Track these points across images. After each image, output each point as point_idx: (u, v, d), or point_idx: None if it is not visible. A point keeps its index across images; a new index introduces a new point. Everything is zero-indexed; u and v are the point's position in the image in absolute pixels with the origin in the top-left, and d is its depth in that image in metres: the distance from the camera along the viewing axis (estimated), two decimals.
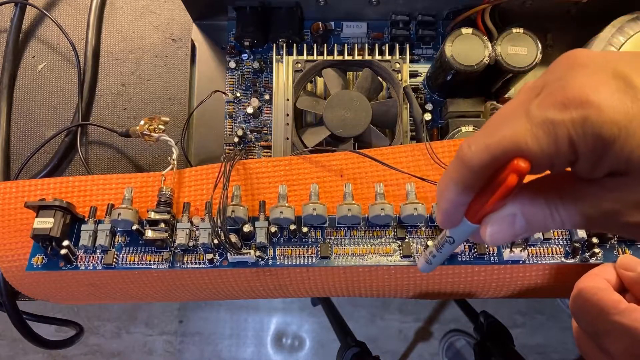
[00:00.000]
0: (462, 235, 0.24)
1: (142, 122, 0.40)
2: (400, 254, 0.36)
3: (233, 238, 0.36)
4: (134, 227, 0.36)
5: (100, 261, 0.37)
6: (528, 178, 0.20)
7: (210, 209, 0.36)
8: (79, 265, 0.37)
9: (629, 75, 0.17)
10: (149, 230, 0.36)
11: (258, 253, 0.36)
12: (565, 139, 0.17)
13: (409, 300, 1.19)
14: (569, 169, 0.20)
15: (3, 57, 0.48)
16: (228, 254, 0.36)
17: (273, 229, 0.36)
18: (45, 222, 0.36)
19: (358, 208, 0.35)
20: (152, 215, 0.36)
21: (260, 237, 0.36)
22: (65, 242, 0.36)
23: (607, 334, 0.30)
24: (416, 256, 0.36)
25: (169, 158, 0.39)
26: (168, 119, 0.41)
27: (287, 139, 0.42)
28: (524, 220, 0.20)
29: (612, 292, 0.31)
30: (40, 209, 0.36)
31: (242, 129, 0.47)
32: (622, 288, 0.34)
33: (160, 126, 0.41)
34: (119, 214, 0.36)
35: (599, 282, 0.33)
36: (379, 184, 0.37)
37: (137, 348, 1.22)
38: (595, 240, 0.35)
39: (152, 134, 0.40)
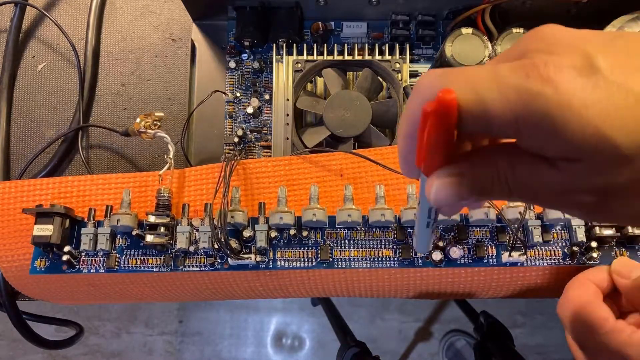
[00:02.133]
0: (422, 188, 0.22)
1: (137, 120, 0.40)
2: (400, 256, 0.36)
3: (233, 244, 0.36)
4: (134, 233, 0.36)
5: (103, 264, 0.37)
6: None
7: (210, 212, 0.36)
8: (82, 269, 0.37)
9: (596, 59, 0.17)
10: (149, 235, 0.36)
11: (259, 258, 0.36)
12: (513, 107, 0.17)
13: (409, 300, 1.19)
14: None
15: (3, 57, 0.48)
16: (229, 258, 0.36)
17: (273, 233, 0.36)
18: (44, 229, 0.36)
19: (358, 213, 0.35)
20: (151, 219, 0.36)
21: (261, 242, 0.36)
22: (67, 249, 0.36)
23: (592, 350, 0.30)
24: (412, 251, 0.36)
25: (165, 156, 0.39)
26: (162, 114, 0.40)
27: (287, 139, 0.42)
28: (470, 182, 0.19)
29: (600, 307, 0.31)
30: (39, 215, 0.36)
31: (242, 129, 0.47)
32: (616, 292, 0.34)
33: (156, 122, 0.40)
34: (118, 220, 0.36)
35: (588, 291, 0.33)
36: (380, 186, 0.37)
37: (137, 348, 1.22)
38: (594, 244, 0.35)
39: (148, 130, 0.40)
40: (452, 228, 0.37)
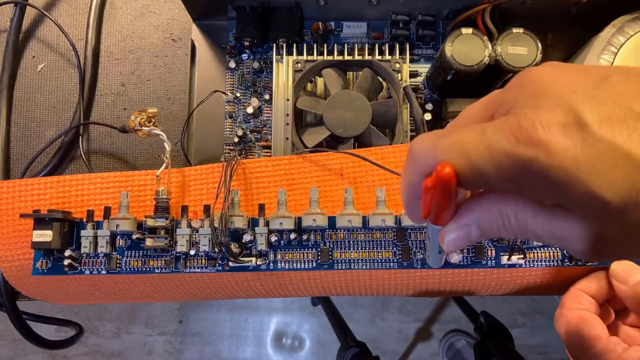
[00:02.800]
0: (430, 231, 0.24)
1: (132, 117, 0.39)
2: (400, 258, 0.36)
3: (234, 248, 0.36)
4: (134, 237, 0.36)
5: (104, 266, 0.37)
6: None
7: (210, 216, 0.36)
8: (84, 270, 0.37)
9: (582, 113, 0.17)
10: (148, 239, 0.36)
11: (259, 261, 0.36)
12: (509, 171, 0.18)
13: (409, 300, 1.19)
14: None
15: (3, 57, 0.48)
16: (229, 261, 0.36)
17: (273, 238, 0.36)
18: (44, 235, 0.36)
19: (358, 218, 0.36)
20: (151, 223, 0.36)
21: (261, 245, 0.36)
22: (67, 253, 0.36)
23: None
24: (412, 253, 0.36)
25: (162, 155, 0.39)
26: (156, 109, 0.40)
27: (287, 139, 0.42)
28: (479, 231, 0.21)
29: (593, 324, 0.32)
30: (37, 221, 0.36)
31: (242, 129, 0.47)
32: (614, 296, 0.35)
33: (150, 118, 0.40)
34: (117, 225, 0.36)
35: (582, 306, 0.34)
36: (381, 189, 0.36)
37: (137, 348, 1.22)
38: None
39: (143, 127, 0.39)
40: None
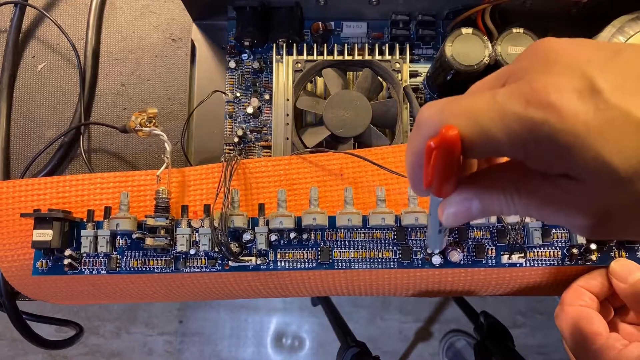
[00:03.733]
0: (432, 206, 0.23)
1: (132, 118, 0.39)
2: (400, 257, 0.36)
3: (234, 247, 0.36)
4: (134, 236, 0.36)
5: (104, 266, 0.37)
6: (476, 165, 0.21)
7: (210, 216, 0.36)
8: (84, 270, 0.37)
9: (597, 80, 0.17)
10: (149, 239, 0.36)
11: (259, 261, 0.36)
12: (518, 136, 0.17)
13: (409, 300, 1.19)
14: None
15: (3, 57, 0.48)
16: (229, 261, 0.36)
17: (273, 237, 0.36)
18: (44, 234, 0.36)
19: (358, 217, 0.36)
20: (151, 223, 0.36)
21: (261, 244, 0.36)
22: (67, 252, 0.36)
23: None
24: (412, 253, 0.36)
25: (162, 155, 0.39)
26: (156, 110, 0.40)
27: (287, 139, 0.42)
28: (480, 206, 0.20)
29: (593, 321, 0.32)
30: (37, 220, 0.36)
31: (242, 129, 0.47)
32: (613, 295, 0.35)
33: (151, 118, 0.40)
34: (118, 225, 0.36)
35: (582, 302, 0.34)
36: (380, 188, 0.37)
37: (137, 348, 1.22)
38: (593, 246, 0.35)
39: (144, 128, 0.39)
40: (453, 230, 0.37)
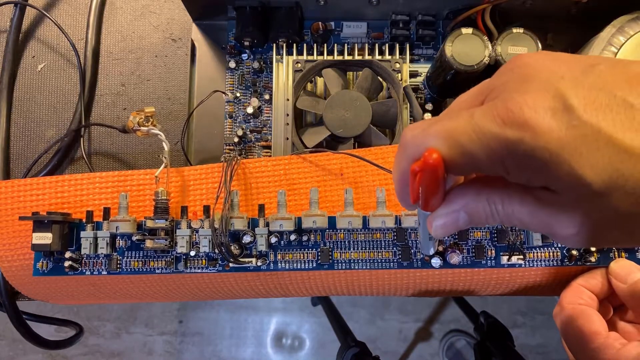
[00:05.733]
0: (420, 217, 0.25)
1: (130, 117, 0.39)
2: (400, 258, 0.36)
3: (234, 249, 0.36)
4: (134, 238, 0.36)
5: (105, 266, 0.37)
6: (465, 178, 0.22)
7: (209, 215, 0.36)
8: (84, 271, 0.37)
9: (568, 97, 0.17)
10: (148, 240, 0.36)
11: (259, 262, 0.36)
12: (497, 154, 0.18)
13: (409, 300, 1.19)
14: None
15: (3, 57, 0.48)
16: (230, 262, 0.36)
17: (273, 239, 0.36)
18: (43, 237, 0.36)
19: (358, 220, 0.36)
20: (150, 224, 0.36)
21: (261, 246, 0.36)
22: (68, 254, 0.36)
23: None
24: (412, 253, 0.36)
25: (160, 155, 0.39)
26: (153, 108, 0.40)
27: (287, 139, 0.42)
28: (467, 217, 0.21)
29: (592, 320, 0.32)
30: (36, 223, 0.36)
31: (242, 129, 0.47)
32: (612, 294, 0.35)
33: (149, 117, 0.39)
34: (117, 227, 0.36)
35: (582, 301, 0.34)
36: (381, 189, 0.36)
37: (137, 348, 1.22)
38: (593, 248, 0.35)
39: (142, 127, 0.39)
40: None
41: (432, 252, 0.30)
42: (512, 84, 0.19)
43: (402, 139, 0.21)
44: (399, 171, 0.22)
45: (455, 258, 0.36)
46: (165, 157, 0.38)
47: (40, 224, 0.36)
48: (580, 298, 0.34)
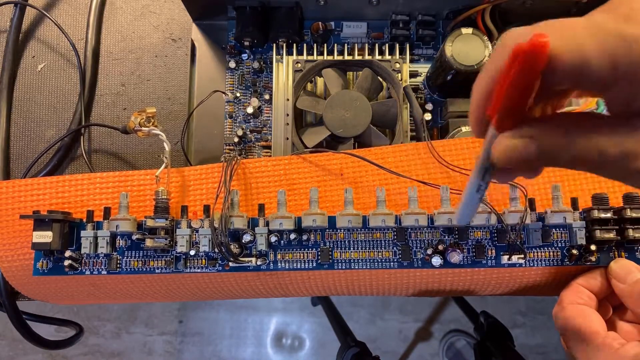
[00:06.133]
0: (486, 148, 0.21)
1: (132, 118, 0.39)
2: (400, 258, 0.36)
3: (233, 248, 0.36)
4: (135, 237, 0.36)
5: (105, 266, 0.37)
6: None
7: (211, 217, 0.36)
8: (84, 270, 0.37)
9: None
10: (148, 240, 0.36)
11: (259, 261, 0.36)
12: (612, 51, 0.17)
13: (409, 300, 1.19)
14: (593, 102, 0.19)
15: (3, 57, 0.48)
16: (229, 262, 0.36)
17: (273, 238, 0.36)
18: (44, 236, 0.36)
19: (358, 219, 0.35)
20: (150, 224, 0.36)
21: (261, 245, 0.36)
22: (68, 253, 0.36)
23: None
24: (412, 253, 0.36)
25: (160, 155, 0.39)
26: (154, 109, 0.40)
27: (287, 139, 0.42)
28: (540, 145, 0.19)
29: (591, 319, 0.32)
30: (37, 222, 0.36)
31: (242, 129, 0.47)
32: (611, 294, 0.35)
33: (150, 118, 0.39)
34: (117, 226, 0.36)
35: (581, 301, 0.34)
36: (381, 188, 0.36)
37: (137, 348, 1.22)
38: (593, 247, 0.35)
39: (143, 128, 0.39)
40: (453, 230, 0.37)
41: (470, 218, 0.26)
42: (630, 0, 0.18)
43: (504, 37, 0.19)
44: (488, 70, 0.19)
45: (455, 257, 0.36)
46: (166, 157, 0.38)
47: (40, 222, 0.36)
48: (579, 298, 0.34)
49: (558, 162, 0.19)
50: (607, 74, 0.17)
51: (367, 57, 0.45)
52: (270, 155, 0.45)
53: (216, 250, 0.36)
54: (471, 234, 0.37)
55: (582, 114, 0.19)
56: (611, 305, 0.36)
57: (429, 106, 0.46)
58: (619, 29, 0.16)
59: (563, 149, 0.19)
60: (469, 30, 0.41)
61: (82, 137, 0.46)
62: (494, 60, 0.19)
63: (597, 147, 0.18)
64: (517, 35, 0.18)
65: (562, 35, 0.17)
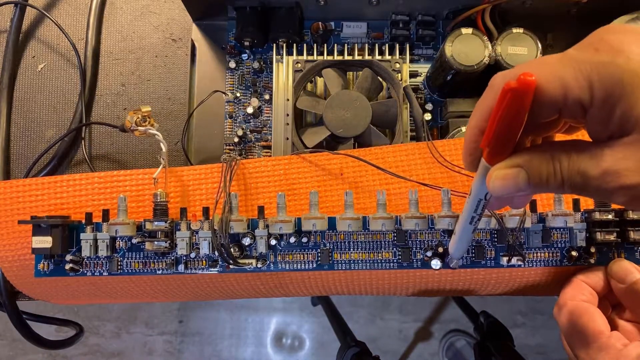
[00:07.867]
0: (478, 181, 0.24)
1: (128, 117, 0.38)
2: (400, 258, 0.36)
3: (233, 251, 0.36)
4: (135, 241, 0.36)
5: (105, 267, 0.37)
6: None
7: (211, 220, 0.36)
8: (85, 272, 0.37)
9: None
10: (148, 243, 0.36)
11: (259, 264, 0.36)
12: (587, 77, 0.19)
13: (409, 300, 1.19)
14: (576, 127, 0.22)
15: (3, 57, 0.48)
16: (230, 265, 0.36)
17: (273, 241, 0.36)
18: (43, 241, 0.36)
19: (358, 223, 0.35)
20: (150, 227, 0.36)
21: (261, 248, 0.36)
22: (68, 257, 0.36)
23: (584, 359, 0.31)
24: (412, 253, 0.36)
25: (158, 156, 0.38)
26: (149, 107, 0.39)
27: (287, 139, 0.42)
28: (529, 173, 0.21)
29: (594, 318, 0.32)
30: (36, 227, 0.36)
31: (242, 129, 0.47)
32: (610, 292, 0.35)
33: (145, 116, 0.39)
34: (117, 231, 0.36)
35: (584, 297, 0.34)
36: (381, 191, 0.36)
37: (137, 348, 1.22)
38: (593, 249, 0.35)
39: (139, 127, 0.38)
40: (453, 232, 0.36)
41: (464, 251, 0.29)
42: (601, 33, 0.20)
43: (493, 79, 0.22)
44: (481, 107, 0.22)
45: (455, 262, 0.36)
46: (163, 159, 0.38)
47: (39, 228, 0.36)
48: (581, 294, 0.34)
49: (548, 186, 0.21)
50: (585, 97, 0.19)
51: (367, 57, 0.45)
52: (270, 155, 0.45)
53: (216, 252, 0.35)
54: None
55: (567, 140, 0.22)
56: (610, 303, 0.36)
57: (429, 106, 0.46)
58: (590, 58, 0.19)
59: (550, 174, 0.21)
60: (469, 30, 0.41)
61: (82, 137, 0.46)
62: (484, 100, 0.22)
63: (579, 169, 0.20)
64: (503, 77, 0.21)
65: (543, 71, 0.20)
